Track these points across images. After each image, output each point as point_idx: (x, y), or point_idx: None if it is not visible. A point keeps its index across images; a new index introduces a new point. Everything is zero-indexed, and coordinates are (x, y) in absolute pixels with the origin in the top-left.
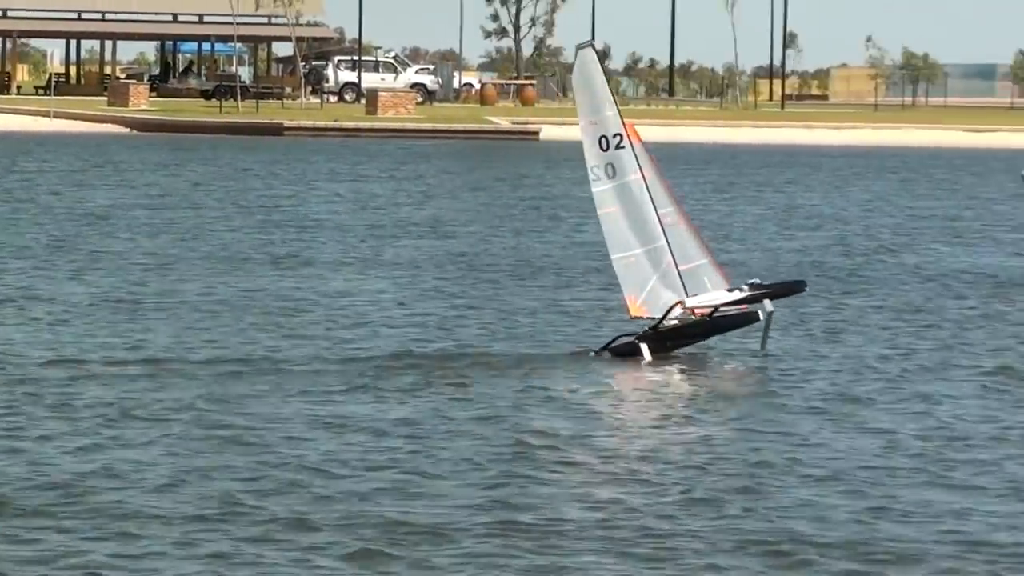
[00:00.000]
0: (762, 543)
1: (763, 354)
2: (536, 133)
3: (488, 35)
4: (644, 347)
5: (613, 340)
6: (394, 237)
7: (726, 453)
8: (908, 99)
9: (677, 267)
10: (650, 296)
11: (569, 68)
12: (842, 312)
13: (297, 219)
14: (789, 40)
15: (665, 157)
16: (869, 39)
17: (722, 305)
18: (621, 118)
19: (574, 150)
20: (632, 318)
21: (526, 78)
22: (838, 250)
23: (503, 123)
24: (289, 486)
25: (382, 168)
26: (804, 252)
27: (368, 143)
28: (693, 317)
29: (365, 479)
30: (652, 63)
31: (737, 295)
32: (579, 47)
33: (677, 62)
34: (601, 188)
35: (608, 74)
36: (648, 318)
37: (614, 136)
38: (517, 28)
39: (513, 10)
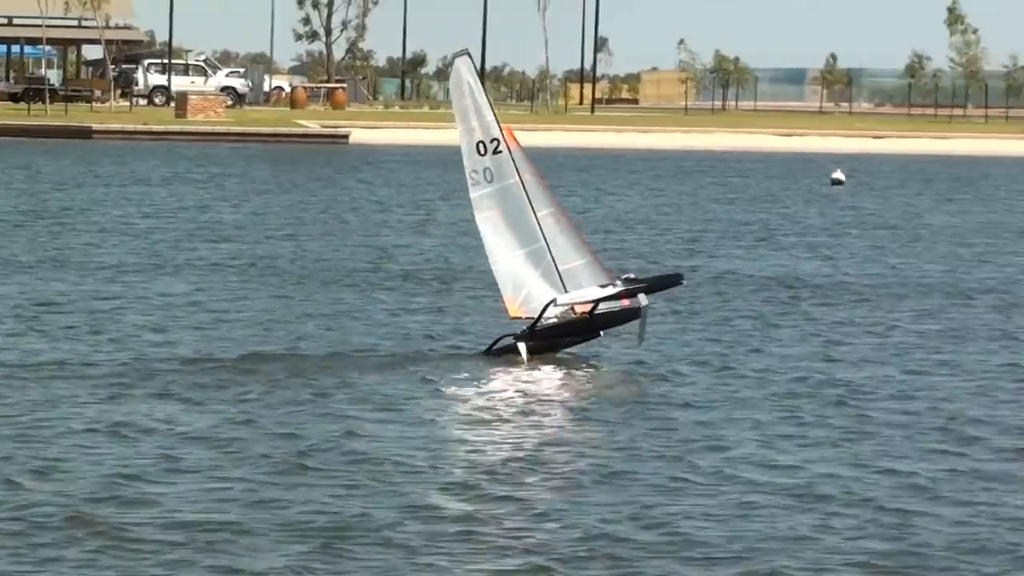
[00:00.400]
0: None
1: (640, 346)
2: (346, 137)
3: (299, 38)
4: (522, 346)
5: (496, 340)
6: (194, 240)
7: (553, 457)
8: (718, 103)
9: (557, 267)
10: (530, 296)
11: (379, 72)
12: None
13: (90, 223)
14: (600, 44)
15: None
16: (681, 43)
17: (598, 301)
18: (499, 123)
19: (384, 153)
20: (512, 318)
21: (336, 81)
22: (617, 253)
23: (313, 127)
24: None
25: (190, 171)
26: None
27: (177, 146)
28: (573, 315)
29: (175, 483)
30: None
31: (611, 290)
32: (455, 55)
33: (489, 65)
34: (480, 192)
35: (420, 78)
36: (527, 318)
37: (491, 141)
38: (328, 32)
39: (324, 14)
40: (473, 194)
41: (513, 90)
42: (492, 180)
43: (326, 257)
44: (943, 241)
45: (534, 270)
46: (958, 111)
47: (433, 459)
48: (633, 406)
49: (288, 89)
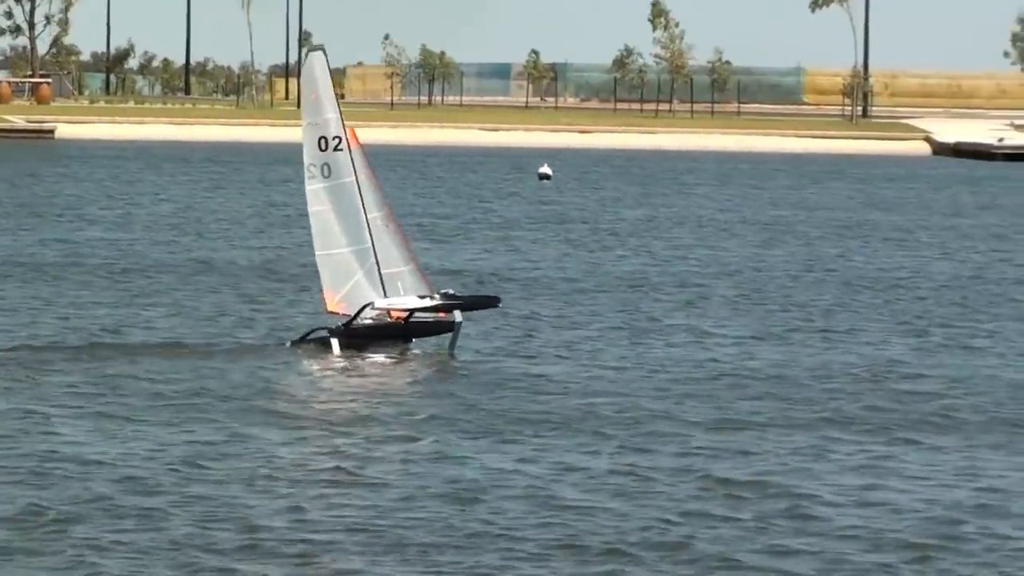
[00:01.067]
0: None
1: (452, 357)
2: (51, 131)
3: (2, 33)
4: (335, 341)
5: (310, 331)
6: None
7: (310, 458)
8: (424, 98)
9: (380, 269)
10: (350, 294)
11: (84, 67)
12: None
13: None
14: (304, 38)
15: (172, 156)
16: (386, 37)
17: (415, 310)
18: (343, 122)
19: (89, 148)
20: (328, 313)
21: (41, 76)
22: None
23: (18, 122)
24: None
25: None
26: (280, 249)
27: None
28: (389, 319)
29: None
30: (167, 62)
31: (428, 302)
32: (310, 50)
33: (193, 60)
34: (315, 186)
35: (125, 73)
36: (344, 314)
37: (334, 138)
38: (32, 26)
39: (27, 8)
40: (308, 187)
41: (219, 85)
42: (328, 176)
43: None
44: (639, 235)
45: (358, 269)
46: (664, 106)
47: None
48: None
49: None
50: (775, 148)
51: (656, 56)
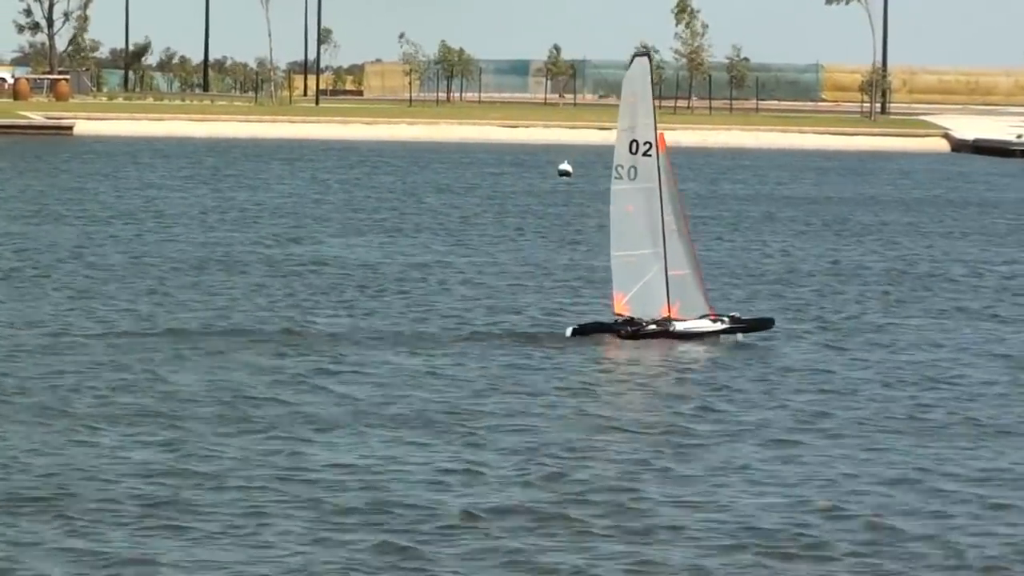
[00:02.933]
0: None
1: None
2: (70, 128)
3: (21, 29)
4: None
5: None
6: None
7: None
8: (443, 94)
9: (667, 272)
10: (637, 295)
11: (103, 63)
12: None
13: None
14: (324, 35)
15: (187, 153)
16: (402, 35)
17: (708, 334)
18: (655, 128)
19: (109, 144)
20: (616, 314)
21: (60, 73)
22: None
23: (37, 118)
24: None
25: None
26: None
27: None
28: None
29: None
30: (184, 59)
31: (719, 326)
32: (636, 54)
33: (212, 57)
34: (620, 187)
35: (143, 70)
36: (628, 315)
37: (644, 143)
38: (51, 22)
39: (46, 4)
40: (614, 187)
41: (237, 82)
42: (635, 178)
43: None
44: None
45: (648, 272)
46: (682, 103)
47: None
48: None
49: (11, 80)
50: (793, 145)
51: (676, 52)
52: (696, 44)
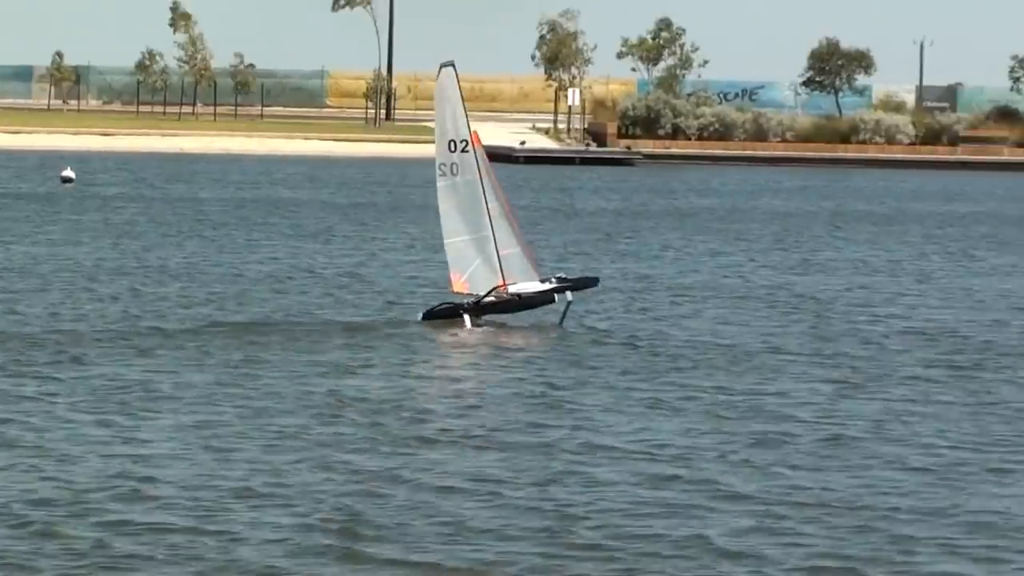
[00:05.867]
0: None
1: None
2: None
3: None
4: (467, 317)
5: (438, 306)
6: None
7: None
8: None
9: (498, 253)
10: (473, 275)
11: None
12: None
13: None
14: None
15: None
16: None
17: (539, 293)
18: (469, 128)
19: None
20: (453, 292)
21: None
22: None
23: None
24: None
25: None
26: None
27: None
28: (506, 295)
29: None
30: None
31: (547, 286)
32: (443, 65)
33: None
34: (444, 183)
35: None
36: (467, 293)
37: (461, 141)
38: None
39: None
40: (439, 184)
41: None
42: (457, 173)
43: None
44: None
45: (479, 253)
46: (187, 109)
47: None
48: None
49: None
50: (299, 151)
51: (179, 59)
52: (197, 51)
